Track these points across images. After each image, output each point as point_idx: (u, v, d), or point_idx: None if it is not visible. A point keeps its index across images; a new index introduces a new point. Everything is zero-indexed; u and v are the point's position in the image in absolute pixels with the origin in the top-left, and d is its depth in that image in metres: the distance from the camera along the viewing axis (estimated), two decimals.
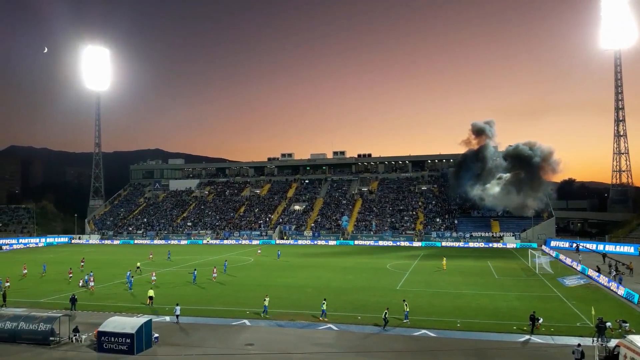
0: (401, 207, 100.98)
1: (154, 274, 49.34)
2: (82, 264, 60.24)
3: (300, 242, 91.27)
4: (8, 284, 44.77)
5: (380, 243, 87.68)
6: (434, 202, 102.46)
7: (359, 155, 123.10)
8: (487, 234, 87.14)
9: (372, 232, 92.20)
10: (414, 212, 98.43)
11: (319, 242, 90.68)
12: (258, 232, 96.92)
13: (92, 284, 45.26)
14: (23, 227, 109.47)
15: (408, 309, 32.51)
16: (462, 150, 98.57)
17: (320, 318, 32.83)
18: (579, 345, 24.15)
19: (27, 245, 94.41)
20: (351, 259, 66.55)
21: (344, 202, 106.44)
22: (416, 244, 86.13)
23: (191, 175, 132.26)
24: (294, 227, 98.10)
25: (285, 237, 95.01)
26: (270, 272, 54.93)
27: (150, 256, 69.83)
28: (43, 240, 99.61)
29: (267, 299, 34.82)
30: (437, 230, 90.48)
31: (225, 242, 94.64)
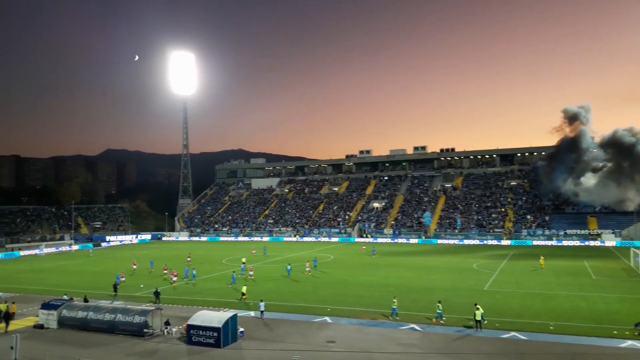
0: (488, 204, 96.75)
1: (251, 270, 50.49)
2: (188, 259, 63.54)
3: (380, 240, 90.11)
4: (123, 278, 47.91)
5: (466, 242, 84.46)
6: (524, 198, 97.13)
7: (442, 150, 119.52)
8: (583, 232, 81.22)
9: (456, 230, 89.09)
10: (502, 209, 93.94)
11: (400, 241, 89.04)
12: (337, 230, 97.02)
13: (175, 277, 47.38)
14: (119, 225, 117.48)
15: (441, 310, 31.16)
16: (553, 140, 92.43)
17: (390, 317, 31.96)
18: None
19: (123, 242, 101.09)
20: (435, 258, 64.59)
21: (426, 199, 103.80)
22: (505, 242, 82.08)
23: (272, 174, 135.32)
24: (373, 224, 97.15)
25: (364, 235, 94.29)
26: (351, 270, 54.52)
27: (253, 251, 72.04)
28: (137, 237, 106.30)
29: (396, 301, 32.80)
30: (528, 228, 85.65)
31: (305, 239, 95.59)
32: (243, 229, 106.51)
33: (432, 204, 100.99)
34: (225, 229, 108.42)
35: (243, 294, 38.03)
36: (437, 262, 60.33)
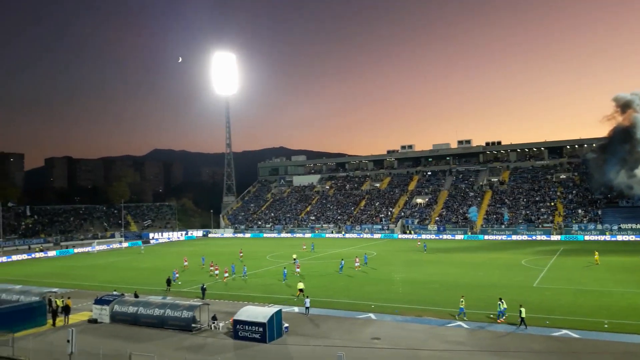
0: (537, 198, 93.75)
1: (298, 266, 50.89)
2: (240, 254, 64.81)
3: (424, 236, 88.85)
4: (177, 274, 49.29)
5: (514, 237, 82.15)
6: (574, 191, 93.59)
7: (487, 144, 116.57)
8: (639, 226, 77.45)
9: (503, 226, 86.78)
10: (551, 204, 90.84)
11: (445, 237, 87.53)
12: (379, 226, 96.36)
13: (226, 274, 48.28)
14: (167, 223, 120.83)
15: (503, 307, 30.11)
16: (604, 131, 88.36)
17: (457, 317, 30.97)
18: None
19: (170, 239, 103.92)
20: (481, 254, 63.16)
21: (471, 194, 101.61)
22: (555, 237, 79.35)
23: (313, 171, 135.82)
24: (417, 221, 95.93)
25: (408, 232, 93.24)
26: (395, 267, 53.99)
27: (304, 247, 72.93)
28: (184, 234, 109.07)
29: (463, 300, 31.61)
30: (579, 222, 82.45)
31: (347, 235, 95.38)
32: (285, 225, 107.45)
33: (478, 199, 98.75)
34: (268, 225, 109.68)
35: (300, 290, 37.59)
36: (483, 259, 58.97)
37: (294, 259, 57.12)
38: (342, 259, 53.32)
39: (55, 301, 35.21)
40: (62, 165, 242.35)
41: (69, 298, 36.96)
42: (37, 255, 78.46)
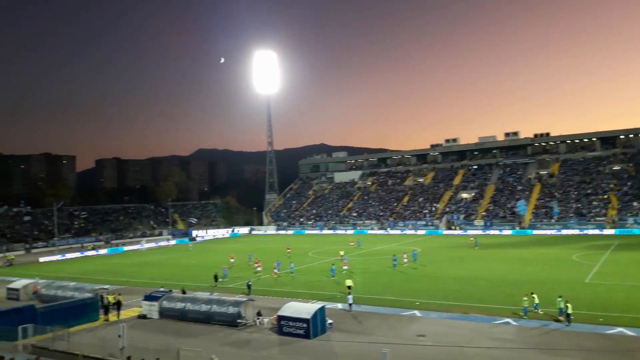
0: (589, 191, 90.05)
1: (345, 264, 49.97)
2: (288, 251, 65.46)
3: (470, 232, 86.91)
4: (226, 271, 50.08)
5: (564, 232, 79.20)
6: (629, 183, 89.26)
7: (535, 135, 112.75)
8: None
9: (553, 220, 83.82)
10: (604, 196, 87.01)
11: (492, 232, 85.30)
12: (423, 222, 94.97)
13: (275, 270, 48.69)
14: (212, 220, 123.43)
15: (538, 301, 29.85)
16: None
17: (525, 316, 29.71)
18: None
19: (215, 237, 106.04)
20: (529, 250, 61.22)
21: (519, 187, 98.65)
22: (608, 232, 75.96)
23: (354, 167, 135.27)
24: (462, 216, 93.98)
25: (453, 227, 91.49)
26: (440, 263, 53.04)
27: (351, 244, 72.45)
28: (229, 231, 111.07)
29: (528, 299, 30.30)
30: (635, 215, 78.60)
31: (390, 232, 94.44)
32: (327, 222, 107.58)
33: (526, 192, 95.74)
34: (310, 222, 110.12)
35: (349, 287, 37.06)
36: (532, 254, 57.15)
37: (342, 256, 56.90)
38: (395, 255, 52.21)
39: (107, 297, 36.54)
40: (111, 166, 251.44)
41: (119, 294, 38.29)
42: (89, 253, 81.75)
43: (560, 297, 29.22)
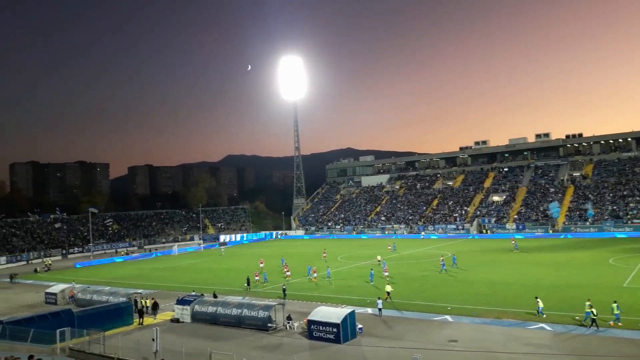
0: (624, 192, 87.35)
1: (386, 270, 48.48)
2: (324, 255, 65.70)
3: (502, 235, 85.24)
4: (258, 277, 50.01)
5: (600, 235, 76.96)
6: None
7: (567, 136, 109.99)
8: None
9: (588, 223, 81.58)
10: None
11: (524, 235, 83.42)
12: (454, 226, 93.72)
13: (315, 274, 48.49)
14: (241, 225, 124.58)
15: (619, 311, 27.89)
16: None
17: (584, 321, 28.90)
18: None
19: (245, 241, 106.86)
20: (564, 253, 59.69)
21: (552, 189, 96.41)
22: None
23: (381, 171, 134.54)
24: (493, 219, 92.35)
25: (484, 231, 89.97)
26: (472, 268, 52.14)
27: (389, 247, 71.48)
28: (258, 235, 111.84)
29: (616, 305, 28.35)
30: None
31: (424, 235, 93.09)
32: (355, 226, 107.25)
33: (559, 195, 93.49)
34: (338, 226, 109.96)
35: (388, 293, 36.81)
36: (566, 258, 55.72)
37: (379, 261, 56.35)
38: (442, 257, 51.46)
39: (141, 301, 37.30)
40: (144, 172, 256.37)
41: (152, 299, 39.05)
42: (123, 258, 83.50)
43: (588, 300, 28.61)
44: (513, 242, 67.50)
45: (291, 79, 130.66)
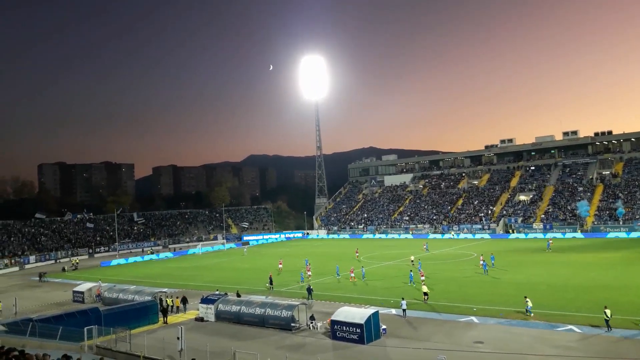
0: None
1: (422, 274, 46.50)
2: (357, 254, 65.51)
3: (530, 235, 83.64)
4: (310, 272, 50.29)
5: (631, 235, 74.88)
6: None
7: (596, 134, 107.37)
8: None
9: (618, 222, 79.45)
10: None
11: (552, 235, 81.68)
12: (479, 226, 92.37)
13: (352, 273, 48.13)
14: (264, 225, 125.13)
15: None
16: None
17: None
18: None
19: (268, 241, 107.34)
20: (593, 254, 58.21)
21: (580, 189, 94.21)
22: None
23: (404, 170, 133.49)
24: (520, 219, 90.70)
25: (511, 231, 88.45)
26: (498, 268, 51.12)
27: (425, 246, 70.54)
28: (281, 235, 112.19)
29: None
30: None
31: (445, 236, 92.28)
32: (378, 226, 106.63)
33: (588, 194, 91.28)
34: (361, 226, 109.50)
35: (425, 294, 36.34)
36: (596, 258, 54.35)
37: (412, 261, 55.82)
38: (483, 258, 49.88)
39: (166, 300, 37.68)
40: (168, 173, 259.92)
41: (177, 298, 39.45)
42: (148, 257, 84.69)
43: (605, 307, 27.79)
44: (550, 241, 66.09)
45: (313, 78, 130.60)
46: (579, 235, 79.17)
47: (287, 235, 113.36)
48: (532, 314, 30.52)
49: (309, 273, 50.29)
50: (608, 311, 26.83)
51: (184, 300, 38.99)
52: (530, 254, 60.59)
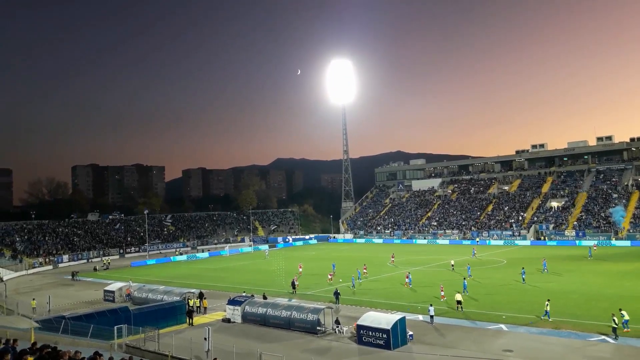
0: None
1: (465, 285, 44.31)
2: (392, 259, 65.27)
3: (561, 242, 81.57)
4: (331, 276, 50.54)
5: None
6: None
7: (632, 139, 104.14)
8: None
9: None
10: None
11: (585, 243, 79.55)
12: (510, 232, 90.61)
13: (407, 279, 46.91)
14: (290, 228, 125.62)
15: (628, 317, 27.50)
16: None
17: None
18: None
19: (295, 244, 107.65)
20: (628, 262, 56.44)
21: (615, 195, 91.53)
22: None
23: (433, 175, 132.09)
24: (552, 225, 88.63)
25: (542, 237, 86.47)
26: (528, 276, 49.92)
27: (474, 251, 69.74)
28: (307, 238, 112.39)
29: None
30: None
31: (493, 242, 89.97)
32: (405, 231, 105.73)
33: (624, 200, 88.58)
34: (388, 231, 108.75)
35: (458, 302, 35.43)
36: (631, 267, 52.67)
37: (452, 265, 55.26)
38: (523, 268, 47.76)
39: (193, 301, 38.17)
40: (197, 175, 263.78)
41: (205, 298, 39.91)
42: (178, 258, 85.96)
43: (620, 309, 27.49)
44: (594, 247, 64.23)
45: (340, 82, 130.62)
46: (613, 243, 76.88)
47: (312, 238, 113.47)
48: (551, 319, 30.36)
49: (329, 276, 50.14)
50: (615, 318, 26.53)
51: (201, 295, 39.71)
52: (562, 262, 58.96)
